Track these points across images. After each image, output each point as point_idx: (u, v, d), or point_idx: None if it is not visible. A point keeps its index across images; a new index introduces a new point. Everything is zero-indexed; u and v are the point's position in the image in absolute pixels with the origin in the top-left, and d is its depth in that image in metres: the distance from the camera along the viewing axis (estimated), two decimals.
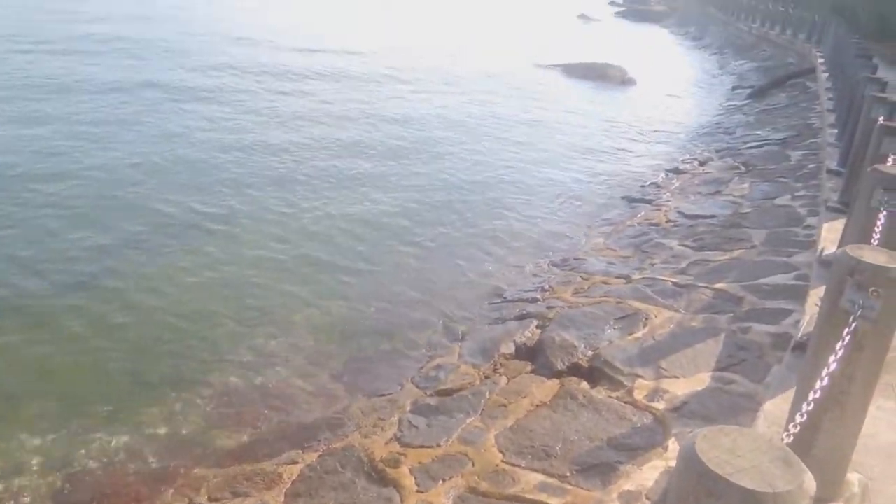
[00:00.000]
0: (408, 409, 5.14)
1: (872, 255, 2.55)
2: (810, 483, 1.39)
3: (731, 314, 5.88)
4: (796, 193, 9.30)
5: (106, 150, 10.42)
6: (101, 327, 6.14)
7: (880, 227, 3.83)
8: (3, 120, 11.23)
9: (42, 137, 10.57)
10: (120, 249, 7.47)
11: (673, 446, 4.23)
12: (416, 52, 21.85)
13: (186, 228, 8.15)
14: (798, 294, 5.69)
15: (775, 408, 3.56)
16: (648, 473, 4.05)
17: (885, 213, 3.96)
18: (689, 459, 1.44)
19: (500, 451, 4.41)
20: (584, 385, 5.08)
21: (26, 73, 14.25)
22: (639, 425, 4.51)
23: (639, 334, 5.75)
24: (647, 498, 3.87)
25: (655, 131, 15.50)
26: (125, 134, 11.28)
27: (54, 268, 6.98)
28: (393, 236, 8.58)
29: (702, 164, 12.41)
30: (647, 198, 10.53)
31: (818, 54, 18.78)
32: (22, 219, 7.95)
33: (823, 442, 2.71)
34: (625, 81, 20.85)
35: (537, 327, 6.12)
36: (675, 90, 21.08)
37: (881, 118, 6.27)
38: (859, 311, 2.48)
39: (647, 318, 5.97)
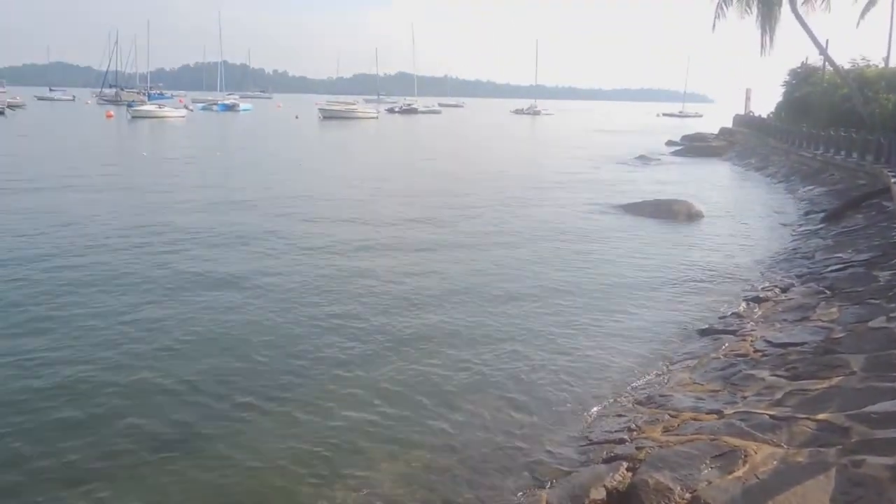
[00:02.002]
0: None
1: None
2: None
3: (840, 447, 5.44)
4: (891, 315, 8.82)
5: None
6: (201, 477, 6.17)
7: None
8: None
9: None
10: (228, 406, 7.63)
11: None
12: (481, 199, 22.63)
13: (275, 384, 8.30)
14: None
15: None
16: None
17: None
18: None
19: None
20: None
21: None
22: None
23: (739, 473, 5.36)
24: None
25: (728, 260, 15.25)
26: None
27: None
28: (470, 382, 8.48)
29: (783, 290, 12.02)
30: (730, 328, 10.17)
31: (890, 174, 18.45)
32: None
33: None
34: (692, 215, 20.88)
35: (628, 469, 5.80)
36: (745, 219, 20.92)
37: None
38: None
39: (746, 455, 5.58)
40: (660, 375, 8.68)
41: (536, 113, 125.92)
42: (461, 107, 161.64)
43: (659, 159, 42.03)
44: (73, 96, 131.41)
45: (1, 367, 8.49)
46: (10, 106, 79.92)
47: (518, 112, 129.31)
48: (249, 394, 7.95)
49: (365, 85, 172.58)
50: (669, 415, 6.96)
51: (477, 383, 8.43)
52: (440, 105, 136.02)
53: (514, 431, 7.21)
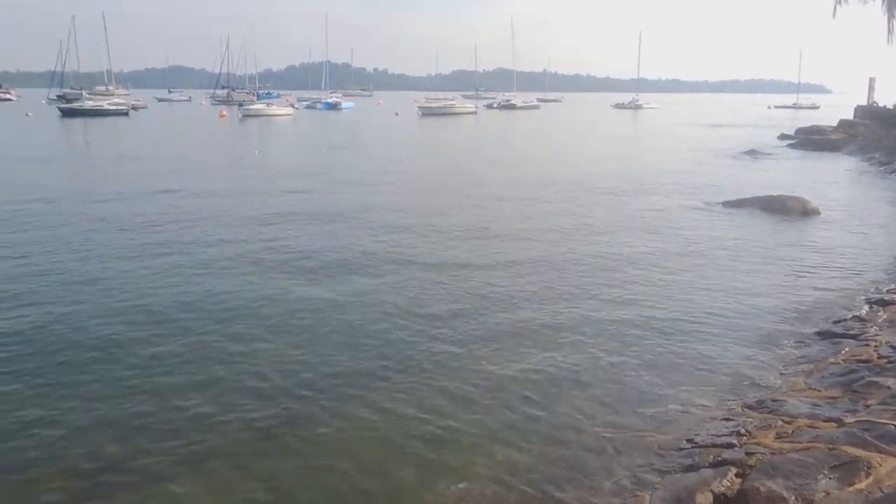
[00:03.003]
0: None
1: None
2: None
3: None
4: None
5: None
6: (295, 476, 6.42)
7: None
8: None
9: None
10: (311, 402, 7.91)
11: None
12: (579, 194, 22.27)
13: (365, 378, 8.50)
14: None
15: None
16: None
17: None
18: None
19: None
20: None
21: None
22: None
23: (861, 485, 5.04)
24: None
25: (848, 259, 14.32)
26: None
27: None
28: (570, 379, 8.38)
29: None
30: (850, 332, 9.56)
31: None
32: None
33: None
34: (807, 212, 19.72)
35: (737, 475, 5.56)
36: (867, 217, 19.56)
37: None
38: None
39: (869, 467, 5.24)
40: (772, 379, 8.27)
41: (638, 107, 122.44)
42: (560, 101, 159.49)
43: (771, 153, 39.91)
44: (189, 97, 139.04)
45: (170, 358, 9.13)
46: (134, 107, 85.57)
47: (619, 106, 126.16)
48: (354, 384, 8.16)
49: (463, 81, 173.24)
50: (783, 421, 6.62)
51: (577, 381, 8.32)
52: (539, 100, 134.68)
53: (616, 431, 7.07)
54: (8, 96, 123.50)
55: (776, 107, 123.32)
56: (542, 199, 22.09)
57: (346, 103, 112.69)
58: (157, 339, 9.43)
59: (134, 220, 17.69)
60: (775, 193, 21.65)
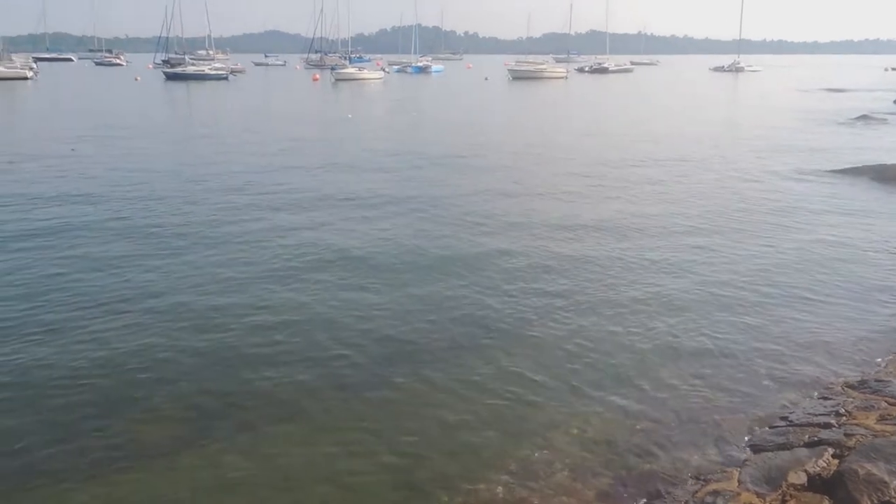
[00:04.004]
0: None
1: None
2: None
3: None
4: None
5: None
6: (369, 431, 6.64)
7: None
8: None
9: None
10: (402, 360, 8.12)
11: None
12: (672, 165, 21.53)
13: (452, 349, 8.63)
14: None
15: None
16: None
17: None
18: None
19: None
20: None
21: None
22: None
23: None
24: None
25: None
26: None
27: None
28: (661, 351, 8.24)
29: None
30: None
31: None
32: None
33: None
34: None
35: (834, 457, 5.37)
36: None
37: None
38: None
39: None
40: (877, 358, 7.87)
41: (739, 70, 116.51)
42: (655, 65, 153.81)
43: (885, 119, 37.20)
44: (284, 62, 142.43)
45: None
46: (233, 72, 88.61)
47: (718, 69, 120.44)
48: (433, 357, 8.24)
49: (555, 44, 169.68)
50: (887, 402, 6.32)
51: (668, 353, 8.17)
52: (632, 63, 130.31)
53: (706, 405, 6.93)
54: (118, 61, 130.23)
55: (894, 69, 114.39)
56: (638, 164, 21.53)
57: (435, 67, 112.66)
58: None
59: (229, 185, 18.46)
60: (889, 162, 20.27)
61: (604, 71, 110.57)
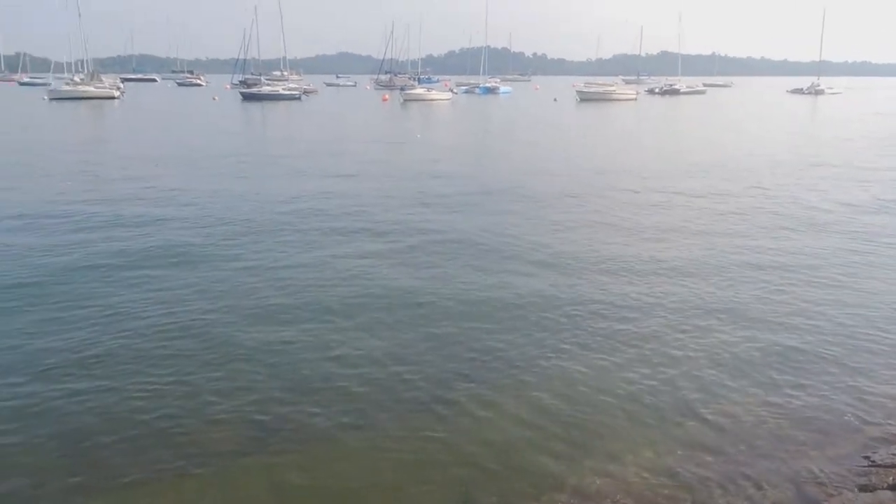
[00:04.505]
0: None
1: None
2: None
3: None
4: None
5: None
6: (448, 442, 6.63)
7: None
8: None
9: None
10: (468, 374, 8.11)
11: None
12: (744, 194, 20.92)
13: (514, 370, 8.56)
14: None
15: None
16: None
17: None
18: None
19: None
20: None
21: None
22: None
23: None
24: None
25: None
26: None
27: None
28: (736, 375, 7.97)
29: None
30: None
31: None
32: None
33: None
34: None
35: None
36: None
37: None
38: None
39: None
40: None
41: (819, 92, 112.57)
42: (729, 86, 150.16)
43: None
44: (355, 83, 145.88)
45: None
46: (306, 92, 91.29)
47: (796, 91, 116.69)
48: (497, 376, 8.25)
49: (625, 65, 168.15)
50: None
51: (738, 381, 7.88)
52: (704, 84, 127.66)
53: (779, 439, 6.64)
54: (198, 82, 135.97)
55: None
56: (714, 194, 21.01)
57: (503, 88, 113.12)
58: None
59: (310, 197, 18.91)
60: None
61: (675, 93, 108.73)
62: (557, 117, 60.80)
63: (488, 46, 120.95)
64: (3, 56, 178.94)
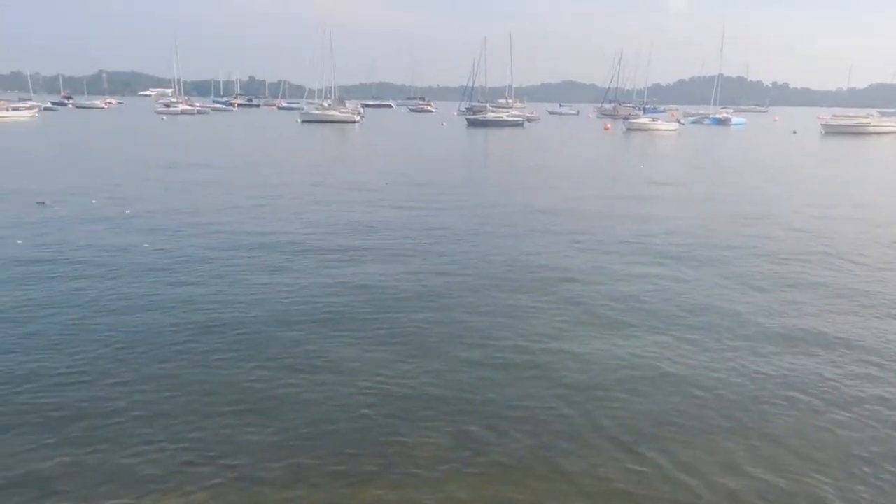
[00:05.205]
0: None
1: None
2: None
3: None
4: None
5: None
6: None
7: None
8: None
9: None
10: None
11: None
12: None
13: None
14: None
15: None
16: None
17: None
18: None
19: None
20: None
21: None
22: None
23: None
24: None
25: None
26: None
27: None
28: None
29: None
30: None
31: None
32: None
33: None
34: None
35: None
36: None
37: None
38: None
39: None
40: None
41: None
42: None
43: None
44: (577, 111, 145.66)
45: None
46: (528, 119, 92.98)
47: None
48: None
49: (883, 95, 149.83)
50: None
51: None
52: None
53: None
54: (428, 108, 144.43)
55: None
56: None
57: (736, 119, 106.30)
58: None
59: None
60: None
61: None
62: (796, 153, 55.54)
63: (721, 75, 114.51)
64: (268, 84, 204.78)
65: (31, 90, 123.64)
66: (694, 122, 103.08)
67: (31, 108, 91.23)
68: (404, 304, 11.40)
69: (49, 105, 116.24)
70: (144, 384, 8.18)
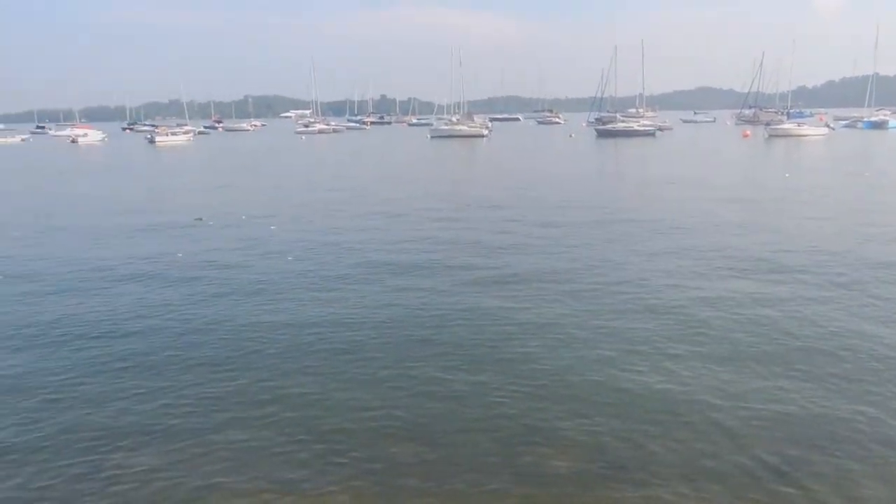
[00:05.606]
0: None
1: None
2: None
3: None
4: None
5: None
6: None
7: None
8: None
9: None
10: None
11: None
12: None
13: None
14: None
15: None
16: None
17: None
18: None
19: None
20: None
21: None
22: None
23: None
24: None
25: None
26: None
27: None
28: None
29: None
30: None
31: None
32: None
33: None
34: None
35: None
36: None
37: None
38: None
39: None
40: None
41: None
42: None
43: None
44: (714, 118, 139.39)
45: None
46: (661, 128, 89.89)
47: None
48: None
49: None
50: None
51: None
52: None
53: None
54: (556, 120, 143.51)
55: None
56: None
57: (894, 122, 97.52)
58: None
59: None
60: None
61: None
62: None
63: (876, 74, 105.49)
64: (399, 102, 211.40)
65: (188, 116, 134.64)
66: (846, 125, 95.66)
67: (186, 132, 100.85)
68: (520, 333, 10.77)
69: (202, 129, 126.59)
70: (302, 396, 8.66)
